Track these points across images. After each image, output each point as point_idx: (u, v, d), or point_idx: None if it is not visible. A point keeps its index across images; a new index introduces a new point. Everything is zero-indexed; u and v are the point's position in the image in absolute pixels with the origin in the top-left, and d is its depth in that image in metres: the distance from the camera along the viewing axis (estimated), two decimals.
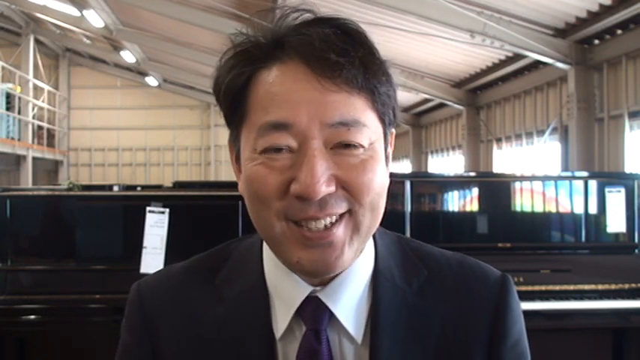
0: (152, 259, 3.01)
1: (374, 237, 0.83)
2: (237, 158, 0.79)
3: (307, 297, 0.77)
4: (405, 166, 15.12)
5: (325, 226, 0.71)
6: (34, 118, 15.32)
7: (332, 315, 0.77)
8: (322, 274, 0.75)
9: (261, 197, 0.72)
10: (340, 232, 0.72)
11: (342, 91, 0.71)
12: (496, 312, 0.81)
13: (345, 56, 0.70)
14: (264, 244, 0.82)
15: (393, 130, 0.81)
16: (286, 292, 0.79)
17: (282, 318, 0.79)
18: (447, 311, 0.80)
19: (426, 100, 12.96)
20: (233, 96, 0.75)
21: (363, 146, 0.72)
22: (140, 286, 0.86)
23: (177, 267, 0.88)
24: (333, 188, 0.70)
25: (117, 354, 0.85)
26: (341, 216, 0.72)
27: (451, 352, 0.78)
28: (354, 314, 0.78)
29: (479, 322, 0.81)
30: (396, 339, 0.77)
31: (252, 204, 0.75)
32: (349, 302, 0.78)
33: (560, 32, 7.61)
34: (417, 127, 15.00)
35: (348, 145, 0.72)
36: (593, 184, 3.61)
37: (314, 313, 0.77)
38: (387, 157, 0.78)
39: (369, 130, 0.73)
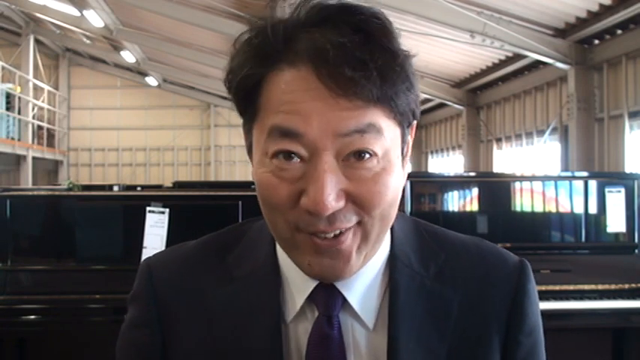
0: None
1: None
2: (249, 149, 0.77)
3: (320, 283, 0.77)
4: None
5: (335, 235, 0.71)
6: (34, 118, 15.32)
7: (345, 301, 0.77)
8: (331, 280, 0.75)
9: (272, 205, 0.72)
10: (349, 240, 0.71)
11: (357, 106, 0.68)
12: (514, 298, 0.80)
13: (361, 70, 0.66)
14: None
15: (414, 122, 0.79)
16: (298, 278, 0.78)
17: (293, 301, 0.78)
18: (464, 295, 0.79)
19: (426, 100, 12.95)
20: (244, 95, 0.74)
21: (376, 155, 0.70)
22: (151, 261, 0.86)
23: (189, 244, 0.87)
24: (342, 204, 0.69)
25: (122, 328, 0.84)
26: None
27: (468, 337, 0.78)
28: (368, 300, 0.78)
29: (497, 307, 0.80)
30: (413, 324, 0.76)
31: (264, 208, 0.74)
32: (363, 288, 0.78)
33: (560, 32, 7.61)
34: (417, 127, 14.96)
35: (361, 156, 0.69)
36: (593, 184, 3.60)
37: (327, 299, 0.77)
38: (404, 156, 0.77)
39: (384, 138, 0.70)
